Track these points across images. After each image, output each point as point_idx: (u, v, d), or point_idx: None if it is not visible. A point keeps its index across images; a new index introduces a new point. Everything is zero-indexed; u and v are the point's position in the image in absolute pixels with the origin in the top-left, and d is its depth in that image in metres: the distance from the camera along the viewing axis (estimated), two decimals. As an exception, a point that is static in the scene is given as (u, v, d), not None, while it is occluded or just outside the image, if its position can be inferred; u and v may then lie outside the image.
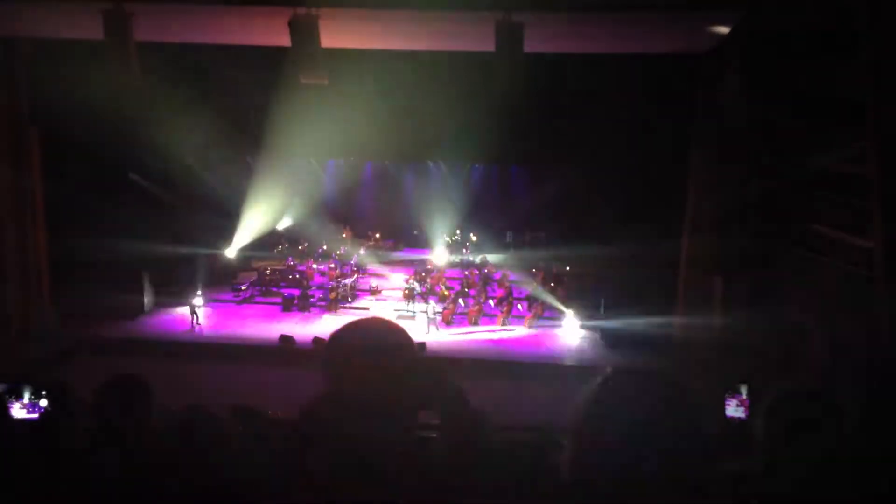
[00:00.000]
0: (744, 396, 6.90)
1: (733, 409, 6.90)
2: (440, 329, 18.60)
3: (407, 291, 20.72)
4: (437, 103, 16.17)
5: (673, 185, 14.89)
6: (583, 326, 18.71)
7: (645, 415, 1.61)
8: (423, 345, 16.03)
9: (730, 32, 11.96)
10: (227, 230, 22.33)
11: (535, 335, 18.57)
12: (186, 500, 2.61)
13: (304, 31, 11.01)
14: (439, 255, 25.25)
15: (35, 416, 5.65)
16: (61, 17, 12.49)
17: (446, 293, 20.93)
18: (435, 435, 2.03)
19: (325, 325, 18.46)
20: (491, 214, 25.65)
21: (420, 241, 26.49)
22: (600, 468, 1.62)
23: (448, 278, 22.91)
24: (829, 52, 11.13)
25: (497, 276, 23.01)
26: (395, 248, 26.79)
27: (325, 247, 25.66)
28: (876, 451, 2.51)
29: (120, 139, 17.10)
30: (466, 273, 23.34)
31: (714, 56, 12.99)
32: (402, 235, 27.19)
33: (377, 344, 1.97)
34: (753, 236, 13.01)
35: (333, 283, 21.92)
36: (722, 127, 13.34)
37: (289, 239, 25.90)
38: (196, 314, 18.04)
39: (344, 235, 26.35)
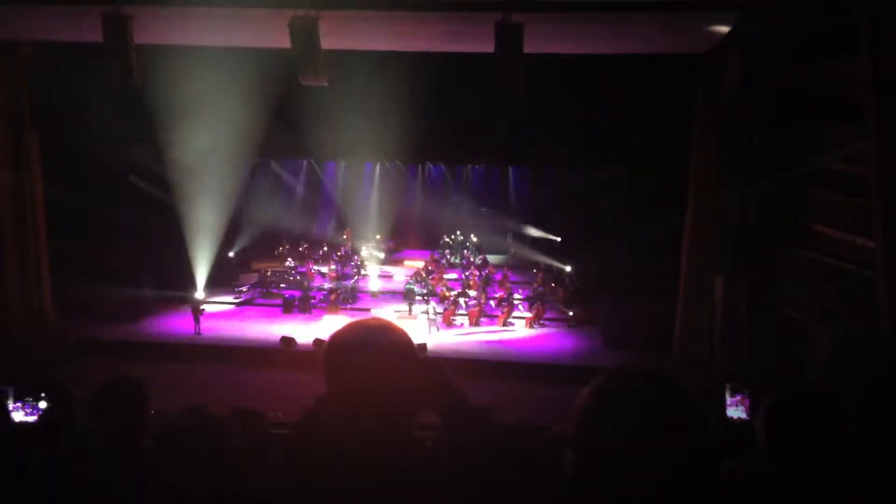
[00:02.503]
0: (745, 396, 6.89)
1: (734, 409, 6.90)
2: (441, 330, 18.60)
3: (407, 292, 20.72)
4: (437, 104, 16.19)
5: (673, 184, 14.89)
6: (583, 327, 18.73)
7: (645, 415, 1.60)
8: (423, 345, 16.03)
9: (729, 32, 11.96)
10: (227, 232, 22.31)
11: (536, 336, 18.57)
12: (186, 502, 2.60)
13: (303, 33, 10.99)
14: (440, 256, 25.31)
15: (34, 417, 5.66)
16: (61, 19, 12.49)
17: (447, 294, 20.94)
18: (435, 436, 2.03)
19: (325, 326, 18.46)
20: (491, 215, 25.70)
21: (413, 244, 26.60)
22: (601, 468, 1.61)
23: (449, 279, 22.94)
24: (829, 51, 11.13)
25: (498, 276, 23.04)
26: (395, 249, 26.82)
27: (325, 248, 25.71)
28: (878, 451, 2.50)
29: (120, 141, 17.14)
30: (467, 274, 23.37)
31: (714, 56, 12.98)
32: (402, 236, 27.26)
33: (378, 345, 1.97)
34: (754, 236, 13.00)
35: (334, 285, 21.94)
36: (722, 127, 13.34)
37: (289, 240, 25.93)
38: (198, 319, 17.93)
39: (344, 236, 26.39)
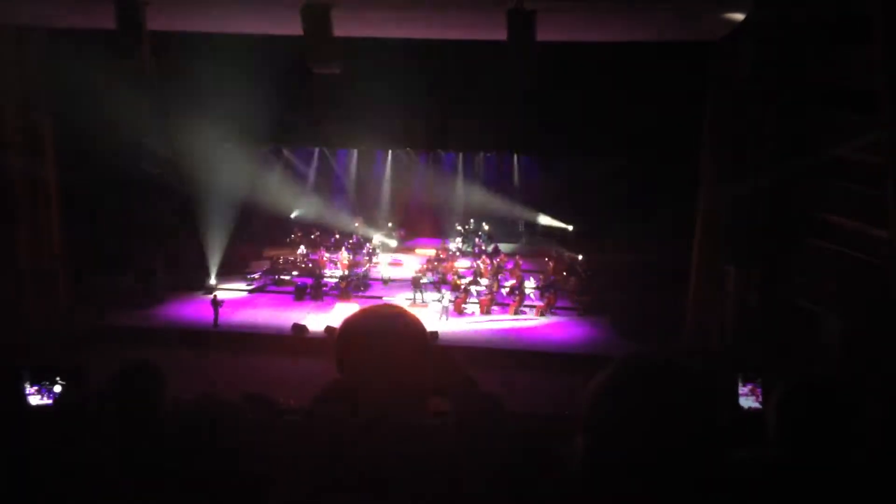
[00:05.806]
0: (756, 385, 6.87)
1: (746, 399, 6.88)
2: (452, 318, 18.61)
3: (419, 280, 20.72)
4: (450, 92, 16.16)
5: (685, 174, 14.83)
6: (594, 315, 18.71)
7: (656, 404, 1.61)
8: (435, 333, 16.05)
9: (743, 20, 11.87)
10: (238, 219, 22.33)
11: (547, 324, 18.56)
12: (197, 488, 2.62)
13: (315, 20, 10.97)
14: (452, 244, 25.30)
15: (49, 401, 5.71)
16: (74, 6, 12.53)
17: (458, 282, 20.92)
18: (446, 423, 2.04)
19: (337, 313, 18.49)
20: (503, 203, 25.64)
21: (425, 232, 26.59)
22: (611, 457, 1.62)
23: (460, 267, 22.93)
24: (843, 40, 11.04)
25: (509, 265, 23.00)
26: (407, 237, 26.82)
27: (337, 236, 25.73)
28: (890, 440, 2.50)
29: (133, 127, 17.20)
30: (478, 262, 23.33)
31: (727, 44, 12.90)
32: (414, 224, 27.24)
33: (389, 332, 1.97)
34: (766, 225, 12.94)
35: (346, 272, 21.97)
36: (734, 116, 13.27)
37: (301, 228, 25.96)
38: (217, 312, 17.61)
39: (356, 224, 26.40)
